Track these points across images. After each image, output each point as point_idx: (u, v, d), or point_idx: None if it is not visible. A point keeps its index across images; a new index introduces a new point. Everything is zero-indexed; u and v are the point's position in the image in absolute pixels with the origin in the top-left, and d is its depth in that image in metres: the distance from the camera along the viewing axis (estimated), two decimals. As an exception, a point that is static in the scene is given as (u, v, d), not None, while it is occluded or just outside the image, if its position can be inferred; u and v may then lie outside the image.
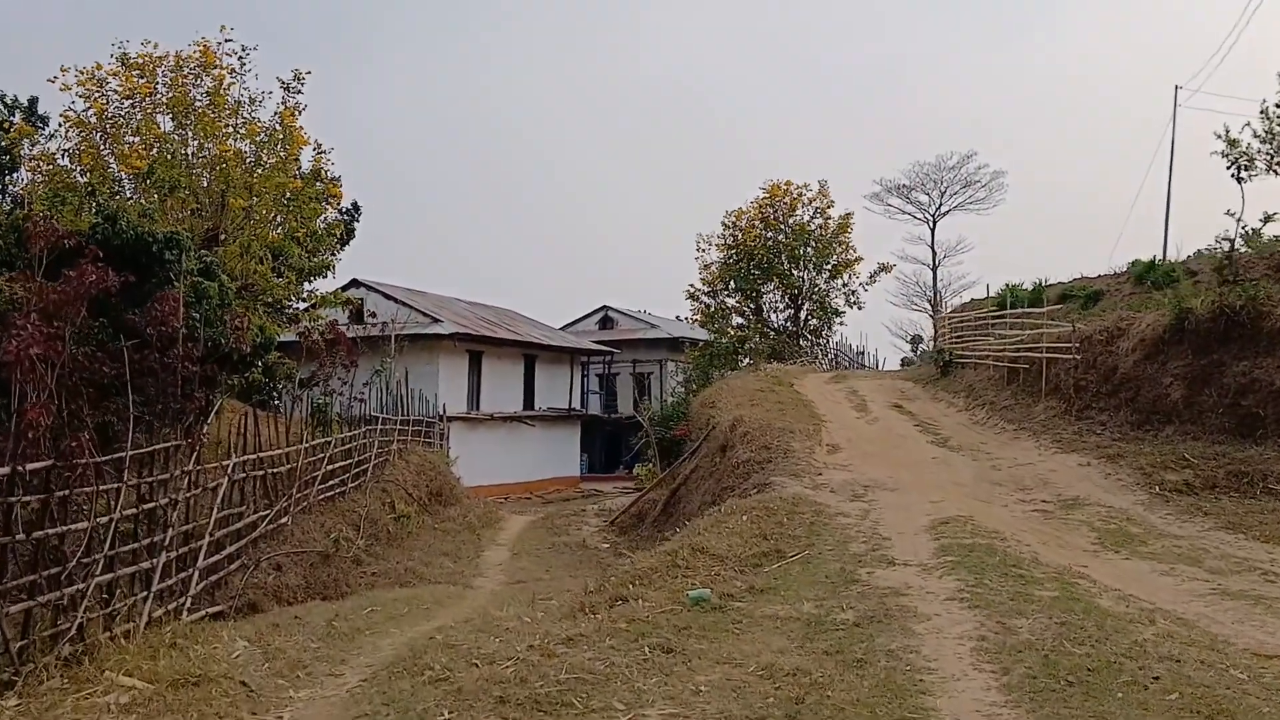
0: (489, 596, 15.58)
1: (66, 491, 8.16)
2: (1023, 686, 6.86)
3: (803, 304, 48.10)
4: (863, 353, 59.18)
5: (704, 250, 48.30)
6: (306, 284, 29.24)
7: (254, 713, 7.47)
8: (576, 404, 47.68)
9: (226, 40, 25.18)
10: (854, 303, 47.98)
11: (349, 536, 17.14)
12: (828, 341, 50.83)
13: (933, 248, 68.64)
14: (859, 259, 47.55)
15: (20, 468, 7.59)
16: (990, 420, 22.66)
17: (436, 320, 37.11)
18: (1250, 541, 12.87)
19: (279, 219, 26.45)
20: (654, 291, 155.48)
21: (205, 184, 24.97)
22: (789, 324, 48.17)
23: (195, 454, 11.69)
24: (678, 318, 62.44)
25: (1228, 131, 30.98)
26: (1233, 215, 29.23)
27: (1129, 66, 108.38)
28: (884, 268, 50.60)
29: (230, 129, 25.63)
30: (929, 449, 20.05)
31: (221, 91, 25.37)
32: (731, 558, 11.66)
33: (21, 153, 25.88)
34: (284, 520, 15.68)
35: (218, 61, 25.32)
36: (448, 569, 18.52)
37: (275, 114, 25.63)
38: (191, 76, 25.06)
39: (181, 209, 23.87)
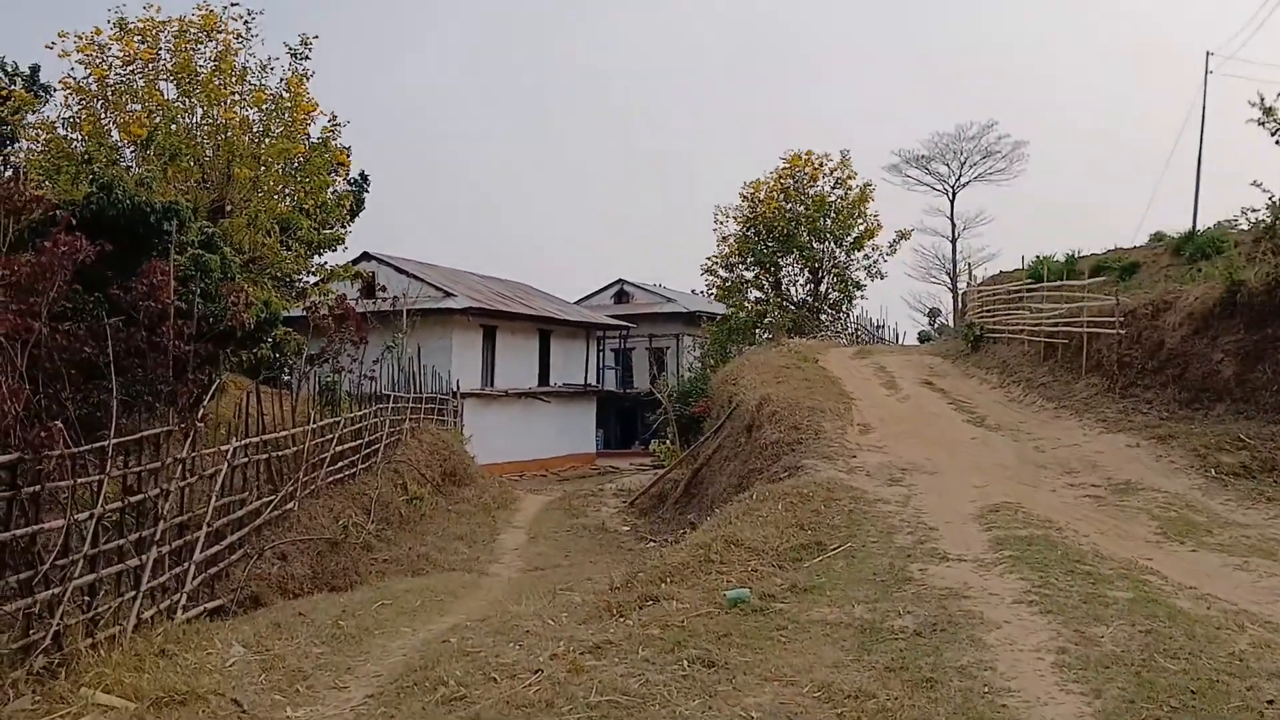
0: (506, 586, 14.78)
1: (38, 487, 7.31)
2: (1120, 713, 5.98)
3: (823, 277, 47.04)
4: (882, 327, 58.12)
5: (722, 223, 47.27)
6: (315, 257, 28.44)
7: (246, 737, 6.67)
8: (592, 379, 46.80)
9: (232, 4, 24.30)
10: (875, 274, 46.93)
11: (359, 521, 16.35)
12: (848, 315, 49.79)
13: (952, 220, 67.58)
14: (879, 228, 46.44)
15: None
16: (1027, 398, 21.69)
17: (450, 294, 36.25)
18: (1323, 531, 11.95)
19: (287, 190, 25.61)
20: (670, 265, 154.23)
21: (210, 154, 24.15)
22: (809, 298, 47.14)
23: (191, 438, 10.85)
24: (693, 291, 61.52)
25: (1263, 100, 29.94)
26: (1258, 185, 28.21)
27: (1157, 34, 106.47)
28: (903, 235, 49.31)
29: (236, 96, 24.78)
30: (966, 429, 19.11)
31: (227, 57, 24.51)
32: (768, 551, 10.79)
33: (23, 122, 25.03)
34: (290, 506, 14.89)
35: (222, 26, 24.44)
36: (462, 554, 17.74)
37: (282, 80, 24.74)
38: (195, 42, 24.18)
39: (185, 179, 23.04)
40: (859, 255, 46.88)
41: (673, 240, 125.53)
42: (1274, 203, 29.95)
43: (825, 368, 26.28)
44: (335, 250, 28.55)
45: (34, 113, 24.72)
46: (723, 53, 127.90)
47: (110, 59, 23.65)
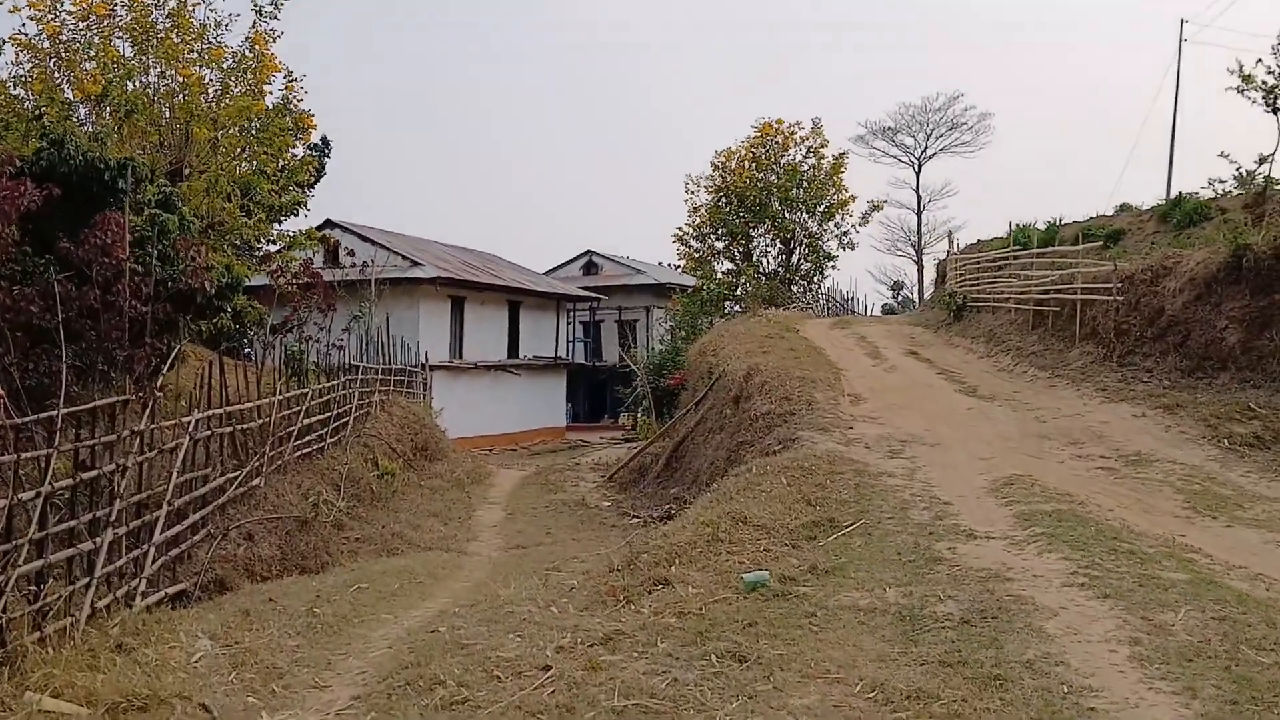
0: (489, 566, 13.96)
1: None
2: (1225, 717, 5.25)
3: (795, 248, 46.27)
4: (852, 299, 57.61)
5: (693, 192, 46.26)
6: (277, 224, 27.28)
7: (217, 749, 5.82)
8: (563, 352, 45.88)
9: (189, -45, 23.03)
10: (847, 244, 46.26)
11: (329, 499, 15.40)
12: (820, 287, 49.12)
13: (918, 192, 67.45)
14: (852, 198, 45.72)
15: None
16: (1018, 367, 21.08)
17: (416, 264, 35.18)
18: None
19: (247, 151, 24.43)
20: (640, 238, 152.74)
21: (167, 115, 22.93)
22: (780, 269, 46.36)
23: (150, 409, 9.91)
24: (660, 263, 60.67)
25: (1241, 67, 29.47)
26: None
27: (1127, 3, 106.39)
28: (876, 206, 48.94)
29: (195, 55, 23.54)
30: (960, 399, 18.45)
31: (183, 13, 23.25)
32: (778, 528, 10.04)
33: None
34: (256, 482, 13.92)
35: (180, -22, 23.16)
36: (438, 532, 16.87)
37: (245, 39, 23.49)
38: (152, -3, 22.90)
39: (142, 139, 21.83)
40: (831, 225, 46.18)
41: (642, 212, 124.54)
42: (1241, 174, 29.82)
43: (807, 338, 25.57)
44: (297, 215, 27.38)
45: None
46: (692, 21, 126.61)
47: (63, 14, 22.35)
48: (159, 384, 10.34)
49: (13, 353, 8.54)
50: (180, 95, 22.77)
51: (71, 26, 22.32)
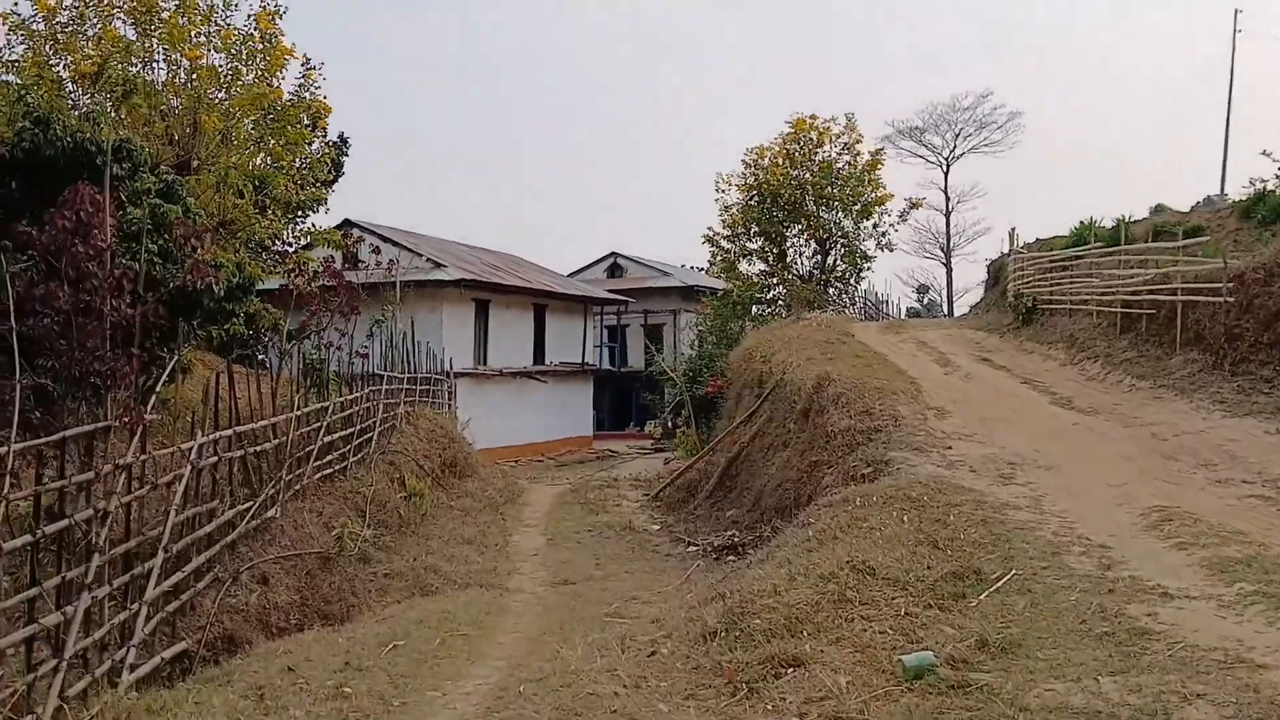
0: (538, 609, 12.09)
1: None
2: None
3: (830, 248, 44.29)
4: (886, 302, 55.70)
5: (724, 191, 44.17)
6: (294, 223, 25.51)
7: None
8: (590, 358, 43.97)
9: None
10: (884, 245, 44.28)
11: (353, 529, 13.52)
12: (856, 289, 47.11)
13: (946, 193, 65.61)
14: (890, 195, 43.73)
15: None
16: (1110, 376, 19.09)
17: (440, 265, 33.29)
18: None
19: (261, 145, 22.64)
20: (666, 239, 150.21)
21: (174, 106, 21.16)
22: (815, 270, 44.37)
23: (139, 435, 8.05)
24: (684, 265, 58.81)
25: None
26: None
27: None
28: (914, 204, 46.98)
29: (202, 38, 21.74)
30: (1057, 412, 16.52)
31: (189, -8, 21.45)
32: (913, 582, 8.12)
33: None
34: (271, 513, 12.07)
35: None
36: (475, 564, 14.99)
37: (250, 17, 21.65)
38: (154, -26, 21.09)
39: (146, 127, 20.04)
40: (868, 224, 44.19)
41: (668, 214, 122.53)
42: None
43: (866, 344, 23.59)
44: (315, 212, 25.64)
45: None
46: (719, 17, 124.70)
47: (58, -5, 20.58)
48: (151, 404, 8.47)
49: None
50: (187, 82, 21.03)
51: (69, 5, 20.57)
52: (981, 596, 7.82)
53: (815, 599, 7.70)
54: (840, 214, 43.56)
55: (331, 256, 20.96)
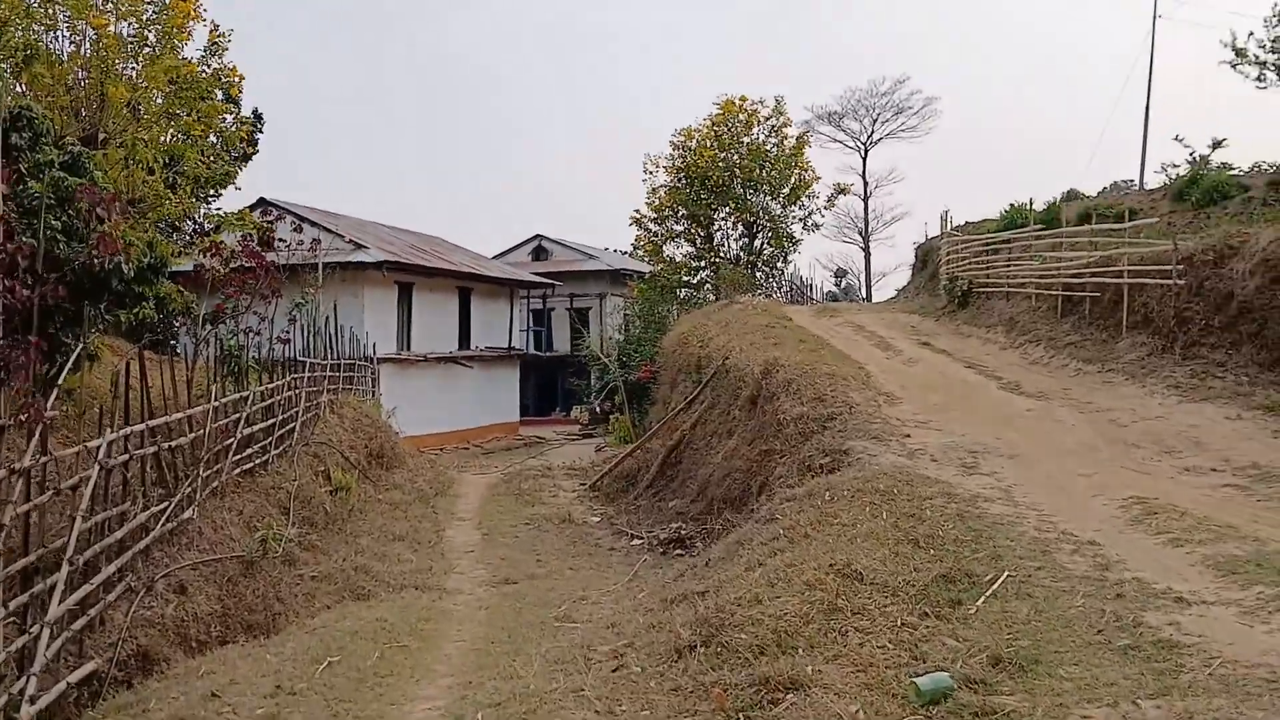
0: (482, 615, 11.27)
1: None
2: None
3: (758, 231, 43.86)
4: (810, 285, 55.53)
5: (651, 173, 43.55)
6: (205, 201, 24.19)
7: None
8: (516, 342, 42.96)
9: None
10: (811, 226, 44.07)
11: (278, 530, 12.53)
12: (783, 272, 46.78)
13: (864, 178, 65.93)
14: (817, 178, 43.53)
15: None
16: (1055, 360, 18.78)
17: (360, 246, 32.02)
18: None
19: (172, 117, 21.28)
20: (591, 224, 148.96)
21: (81, 80, 19.75)
22: (742, 253, 43.89)
23: (39, 435, 7.08)
24: (608, 249, 57.93)
25: (1235, 39, 27.96)
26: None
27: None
28: (841, 189, 47.16)
29: (110, 4, 20.32)
30: (1008, 397, 16.11)
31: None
32: (903, 587, 7.49)
33: None
34: (188, 514, 11.05)
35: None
36: (408, 563, 14.09)
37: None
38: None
39: (49, 98, 18.65)
40: (795, 208, 43.90)
41: (593, 197, 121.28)
42: (1194, 158, 28.48)
43: (804, 328, 23.07)
44: (226, 189, 24.33)
45: None
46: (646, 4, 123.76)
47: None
48: (52, 398, 7.48)
49: None
50: (92, 52, 19.64)
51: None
52: (979, 602, 7.22)
53: (803, 609, 7.02)
54: (768, 197, 43.21)
55: (249, 236, 19.73)
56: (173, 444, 11.17)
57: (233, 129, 22.83)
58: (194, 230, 22.92)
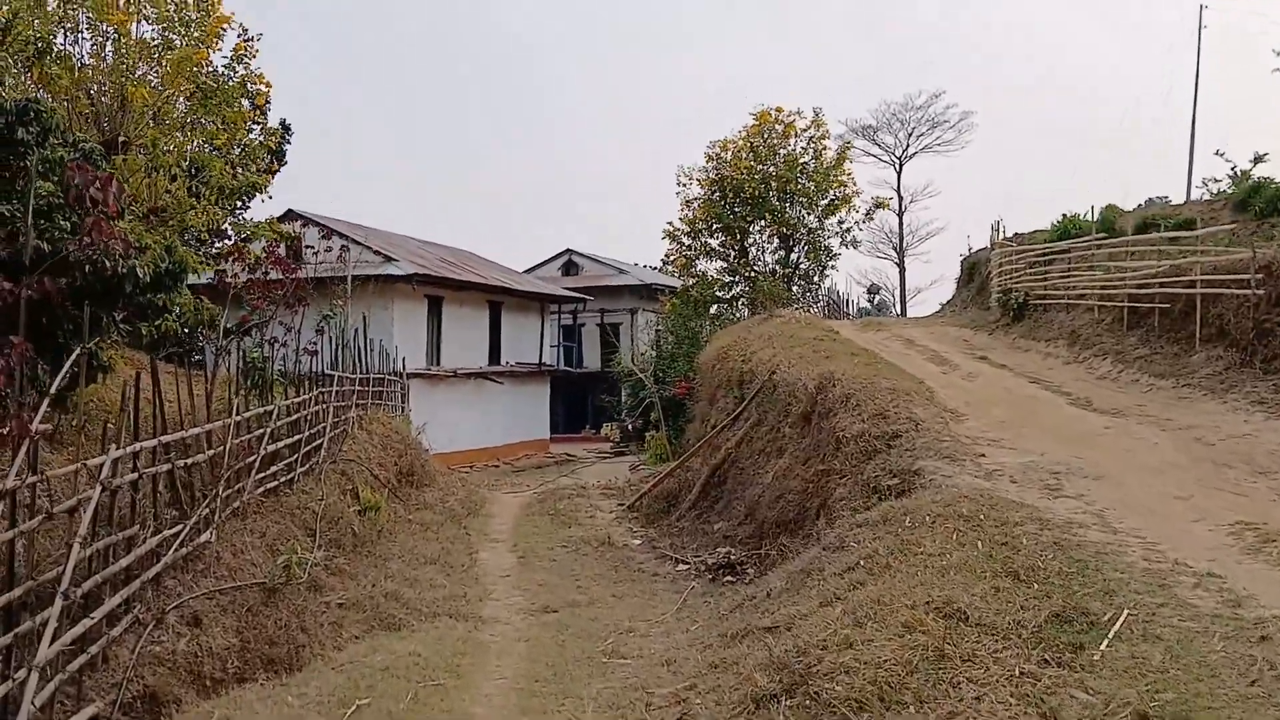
0: (523, 648, 10.34)
1: None
2: None
3: (794, 245, 42.84)
4: (847, 300, 54.58)
5: (685, 185, 42.64)
6: (231, 212, 23.46)
7: None
8: (547, 358, 42.13)
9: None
10: (849, 241, 42.98)
11: (303, 554, 11.65)
12: (820, 286, 45.72)
13: (899, 192, 65.03)
14: (857, 192, 42.43)
15: None
16: (1123, 374, 17.71)
17: (390, 259, 31.32)
18: None
19: (196, 124, 20.60)
20: (622, 239, 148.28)
21: (104, 86, 19.12)
22: (779, 267, 42.87)
23: (27, 452, 6.23)
24: (637, 264, 57.14)
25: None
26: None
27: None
28: (880, 203, 46.01)
29: (132, 5, 19.68)
30: (1080, 414, 15.06)
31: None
32: (1014, 629, 6.51)
33: None
34: (205, 537, 10.18)
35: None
36: (441, 589, 13.15)
37: (186, -18, 19.63)
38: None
39: (68, 101, 18.01)
40: (832, 221, 42.89)
41: (625, 212, 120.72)
42: (1236, 173, 27.59)
43: (852, 340, 22.09)
44: (254, 199, 23.62)
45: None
46: (675, 11, 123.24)
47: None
48: (41, 410, 6.63)
49: None
50: (114, 53, 19.00)
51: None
52: (1103, 646, 6.23)
53: (904, 655, 6.07)
54: (805, 210, 42.23)
55: (274, 243, 18.99)
56: (189, 461, 10.32)
57: (259, 140, 22.04)
58: (220, 243, 22.14)
